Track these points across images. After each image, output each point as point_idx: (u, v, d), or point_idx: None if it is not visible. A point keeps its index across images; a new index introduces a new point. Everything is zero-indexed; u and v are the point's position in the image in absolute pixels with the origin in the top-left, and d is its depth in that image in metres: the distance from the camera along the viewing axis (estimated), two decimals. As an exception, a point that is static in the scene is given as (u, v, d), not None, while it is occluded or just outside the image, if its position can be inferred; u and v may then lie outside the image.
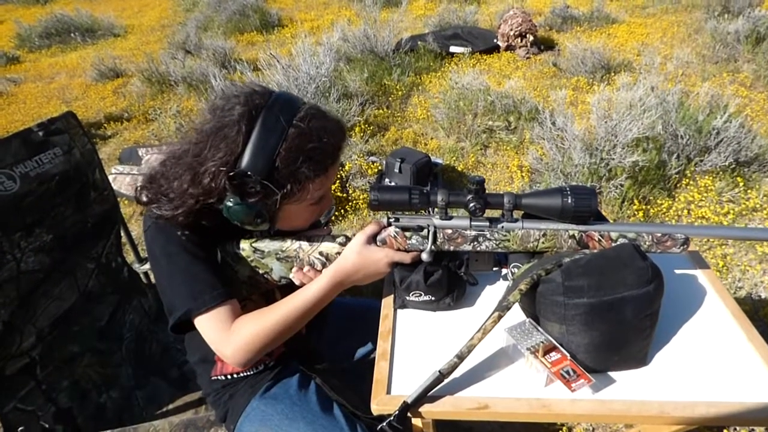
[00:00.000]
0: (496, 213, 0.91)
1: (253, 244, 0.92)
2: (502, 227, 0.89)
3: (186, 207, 0.84)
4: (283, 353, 1.06)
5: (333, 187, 2.58)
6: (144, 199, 0.89)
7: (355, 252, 0.89)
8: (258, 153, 0.81)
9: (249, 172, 0.81)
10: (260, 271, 0.94)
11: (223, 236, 0.92)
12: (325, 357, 1.14)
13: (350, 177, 2.79)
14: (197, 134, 0.86)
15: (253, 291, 0.97)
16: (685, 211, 2.36)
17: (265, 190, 0.83)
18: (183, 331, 0.89)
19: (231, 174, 0.81)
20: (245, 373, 1.04)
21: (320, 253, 0.93)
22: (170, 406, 1.28)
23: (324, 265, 0.93)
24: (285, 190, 0.84)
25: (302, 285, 0.92)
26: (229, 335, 0.84)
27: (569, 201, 0.83)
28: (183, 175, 0.84)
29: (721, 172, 2.50)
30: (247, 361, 0.86)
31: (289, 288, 0.94)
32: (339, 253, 0.92)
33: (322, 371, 1.06)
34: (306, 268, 0.93)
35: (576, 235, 0.87)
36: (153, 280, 1.70)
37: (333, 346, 1.21)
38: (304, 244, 0.93)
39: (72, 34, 6.60)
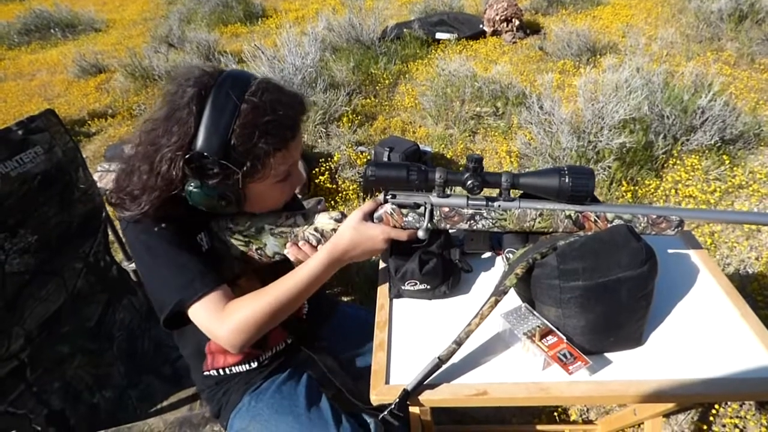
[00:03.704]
0: (493, 193, 0.91)
1: (248, 219, 0.91)
2: (499, 206, 0.89)
3: (150, 202, 0.82)
4: (277, 352, 1.05)
5: (322, 178, 2.59)
6: (112, 200, 0.87)
7: (352, 228, 0.88)
8: (211, 132, 0.79)
9: (205, 153, 0.80)
10: (254, 247, 0.93)
11: (196, 224, 0.90)
12: (324, 340, 1.14)
13: (339, 168, 2.76)
14: (151, 122, 0.84)
15: (246, 268, 0.95)
16: (673, 191, 2.38)
17: (224, 170, 0.81)
18: (175, 326, 0.87)
19: (187, 157, 0.79)
20: (237, 369, 1.03)
21: (315, 229, 0.92)
22: (164, 404, 1.27)
23: (319, 242, 0.92)
24: (245, 168, 0.82)
25: (297, 261, 0.91)
26: (223, 317, 0.82)
27: (566, 181, 0.83)
28: (141, 167, 0.82)
29: (707, 151, 2.52)
30: (242, 343, 0.83)
31: (282, 266, 0.92)
32: (334, 230, 0.91)
33: (321, 350, 1.04)
34: (301, 243, 0.92)
35: (572, 215, 0.87)
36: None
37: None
38: (299, 219, 0.93)
39: (52, 30, 6.41)
